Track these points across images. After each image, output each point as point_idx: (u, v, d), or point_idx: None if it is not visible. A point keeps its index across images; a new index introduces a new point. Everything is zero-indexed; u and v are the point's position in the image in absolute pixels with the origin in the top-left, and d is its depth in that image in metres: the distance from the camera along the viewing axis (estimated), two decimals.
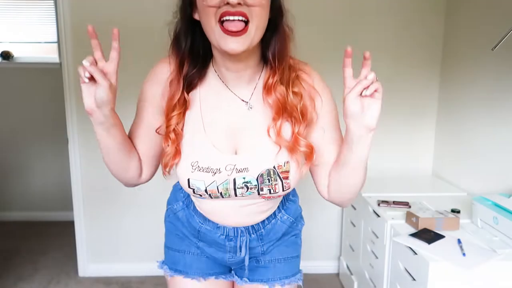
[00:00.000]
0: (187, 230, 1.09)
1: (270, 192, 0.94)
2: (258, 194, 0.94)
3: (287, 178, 0.93)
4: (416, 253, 1.50)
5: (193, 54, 0.91)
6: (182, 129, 0.92)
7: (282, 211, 1.07)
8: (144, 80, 1.01)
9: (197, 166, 0.91)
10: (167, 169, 0.94)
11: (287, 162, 0.92)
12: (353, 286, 2.24)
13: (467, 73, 2.16)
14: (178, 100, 0.90)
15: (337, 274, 2.61)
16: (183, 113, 0.91)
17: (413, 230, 1.64)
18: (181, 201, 1.10)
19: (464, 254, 1.43)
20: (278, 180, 0.93)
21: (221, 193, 0.93)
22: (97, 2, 2.27)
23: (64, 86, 2.34)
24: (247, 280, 1.09)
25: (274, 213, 1.06)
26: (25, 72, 3.30)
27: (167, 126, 0.91)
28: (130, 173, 1.00)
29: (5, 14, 3.31)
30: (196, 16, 0.89)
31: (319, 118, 0.95)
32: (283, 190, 0.95)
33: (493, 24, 1.93)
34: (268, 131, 0.91)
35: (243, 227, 1.03)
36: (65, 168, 3.38)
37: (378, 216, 1.89)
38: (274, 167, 0.92)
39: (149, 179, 1.05)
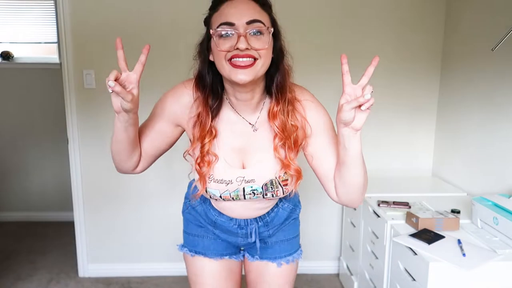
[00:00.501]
0: (204, 221, 1.28)
1: (273, 196, 1.14)
2: (263, 197, 1.14)
3: (286, 185, 1.13)
4: (416, 254, 1.50)
5: (213, 89, 1.07)
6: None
7: (283, 200, 1.27)
8: (168, 93, 1.16)
9: (212, 178, 1.10)
10: (203, 185, 1.12)
11: (285, 173, 1.12)
12: (353, 286, 2.24)
13: (467, 73, 2.16)
14: (208, 129, 1.07)
15: (337, 275, 2.61)
16: (212, 139, 1.09)
17: (413, 231, 1.64)
18: (198, 201, 1.28)
19: (464, 255, 1.43)
20: (279, 187, 1.12)
21: (232, 198, 1.13)
22: (97, 2, 2.27)
23: (64, 86, 2.34)
24: (258, 258, 1.30)
25: (276, 203, 1.26)
26: (25, 72, 3.30)
27: (202, 151, 1.08)
28: (129, 163, 1.14)
29: (5, 14, 3.31)
30: (211, 58, 1.04)
31: (317, 136, 1.11)
32: (283, 194, 1.15)
33: (493, 24, 1.93)
34: (276, 148, 1.09)
35: (252, 219, 1.23)
36: (65, 168, 3.38)
37: (378, 216, 1.89)
38: (275, 177, 1.11)
39: (141, 172, 1.21)
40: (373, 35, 2.37)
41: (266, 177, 1.11)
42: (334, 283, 2.52)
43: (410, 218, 1.70)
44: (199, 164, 1.09)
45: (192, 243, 1.30)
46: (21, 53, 3.37)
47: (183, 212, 1.35)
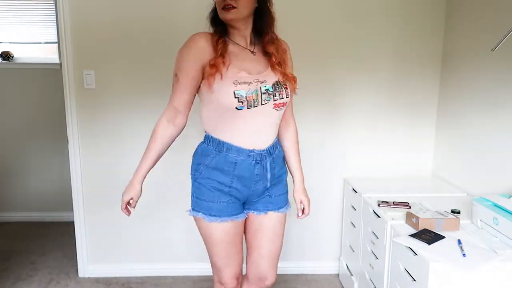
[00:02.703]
0: (221, 174, 1.47)
1: (280, 98, 1.45)
2: (273, 100, 1.44)
3: (287, 88, 1.49)
4: (416, 254, 1.50)
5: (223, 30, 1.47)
6: (227, 67, 1.43)
7: (278, 146, 1.58)
8: (182, 49, 1.45)
9: (237, 82, 1.40)
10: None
11: (284, 80, 1.50)
12: (353, 286, 2.24)
13: (467, 73, 2.16)
14: (223, 53, 1.43)
15: (337, 275, 2.61)
16: (227, 59, 1.44)
17: (413, 231, 1.64)
18: (211, 153, 1.48)
19: (464, 255, 1.43)
20: (283, 88, 1.47)
21: (253, 100, 1.40)
22: (97, 3, 2.27)
23: (64, 86, 2.34)
24: (264, 211, 1.58)
25: (276, 145, 1.55)
26: (25, 73, 3.30)
27: (224, 65, 1.42)
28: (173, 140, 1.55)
29: (5, 14, 3.31)
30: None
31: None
32: (286, 97, 1.47)
33: (493, 24, 1.93)
34: (273, 66, 1.47)
35: (265, 151, 1.48)
36: (65, 168, 3.38)
37: (378, 216, 1.89)
38: (279, 80, 1.47)
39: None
40: (373, 35, 2.37)
41: (272, 79, 1.46)
42: (334, 283, 2.52)
43: (410, 218, 1.70)
44: (223, 69, 1.40)
45: (206, 208, 1.49)
46: (21, 53, 3.37)
47: (195, 178, 1.52)
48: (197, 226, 1.57)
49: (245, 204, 1.58)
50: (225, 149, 1.46)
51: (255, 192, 1.53)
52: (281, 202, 1.61)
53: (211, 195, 1.49)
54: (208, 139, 1.50)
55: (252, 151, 1.46)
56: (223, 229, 1.50)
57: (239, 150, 1.45)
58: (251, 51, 1.49)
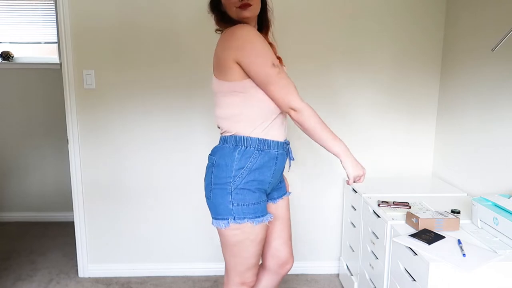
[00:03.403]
0: (263, 173, 1.45)
1: None
2: None
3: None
4: (416, 254, 1.50)
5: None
6: None
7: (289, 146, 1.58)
8: (254, 37, 1.37)
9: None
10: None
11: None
12: (353, 286, 2.24)
13: (467, 73, 2.16)
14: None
15: (337, 275, 2.61)
16: None
17: (413, 231, 1.64)
18: (252, 154, 1.43)
19: (464, 255, 1.43)
20: None
21: None
22: (97, 3, 2.27)
23: (64, 86, 2.34)
24: (279, 198, 1.64)
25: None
26: (25, 73, 3.31)
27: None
28: None
29: (5, 14, 3.31)
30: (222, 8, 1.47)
31: None
32: None
33: (493, 24, 1.93)
34: (277, 54, 1.51)
35: (285, 142, 1.52)
36: (65, 168, 3.39)
37: (378, 216, 1.89)
38: None
39: None
40: (373, 35, 2.37)
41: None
42: (334, 283, 2.52)
43: (410, 218, 1.70)
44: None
45: (253, 211, 1.43)
46: (21, 53, 3.37)
47: (234, 187, 1.41)
48: (229, 234, 1.45)
49: None
50: (266, 146, 1.44)
51: (278, 180, 1.57)
52: (284, 187, 1.67)
53: (256, 197, 1.44)
54: (242, 141, 1.42)
55: (285, 142, 1.51)
56: (264, 228, 1.49)
57: (278, 145, 1.47)
58: None
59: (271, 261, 1.68)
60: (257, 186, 1.44)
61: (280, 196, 1.64)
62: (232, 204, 1.41)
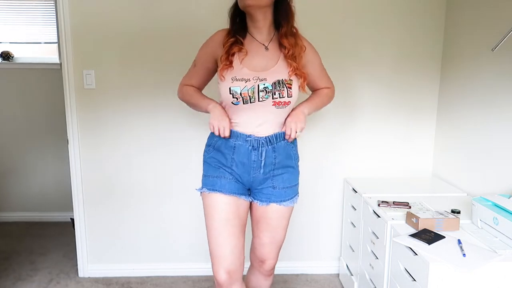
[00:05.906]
0: (223, 157, 1.57)
1: (280, 97, 1.49)
2: (272, 98, 1.49)
3: (290, 88, 1.51)
4: (416, 254, 1.50)
5: (242, 27, 1.57)
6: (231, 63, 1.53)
7: (282, 138, 1.59)
8: (204, 43, 1.63)
9: (235, 79, 1.49)
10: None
11: (291, 78, 1.52)
12: (353, 286, 2.24)
13: (467, 73, 2.16)
14: (232, 49, 1.53)
15: (337, 275, 2.61)
16: (238, 51, 1.54)
17: (413, 231, 1.64)
18: (215, 136, 1.59)
19: (464, 255, 1.43)
20: (285, 88, 1.50)
21: (249, 97, 1.48)
22: (97, 3, 2.27)
23: (64, 86, 2.34)
24: (267, 203, 1.62)
25: (281, 137, 1.58)
26: (25, 73, 3.30)
27: (229, 59, 1.52)
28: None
29: (5, 14, 3.31)
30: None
31: (308, 63, 1.63)
32: (288, 96, 1.50)
33: (493, 24, 1.93)
34: (287, 54, 1.52)
35: (263, 138, 1.54)
36: (65, 168, 3.39)
37: (378, 216, 1.89)
38: (283, 79, 1.50)
39: None
40: (373, 35, 2.37)
41: (276, 77, 1.50)
42: (334, 283, 2.52)
43: (410, 218, 1.70)
44: (227, 69, 1.50)
45: (211, 183, 1.58)
46: (21, 53, 3.37)
47: (204, 159, 1.64)
48: (203, 206, 1.62)
49: (250, 192, 1.64)
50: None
51: (255, 179, 1.59)
52: (285, 195, 1.63)
53: (217, 171, 1.58)
54: None
55: (249, 136, 1.54)
56: (223, 203, 1.56)
57: (238, 135, 1.55)
58: (265, 46, 1.55)
59: (252, 256, 1.77)
60: (218, 164, 1.59)
61: (268, 201, 1.62)
62: (203, 174, 1.64)
